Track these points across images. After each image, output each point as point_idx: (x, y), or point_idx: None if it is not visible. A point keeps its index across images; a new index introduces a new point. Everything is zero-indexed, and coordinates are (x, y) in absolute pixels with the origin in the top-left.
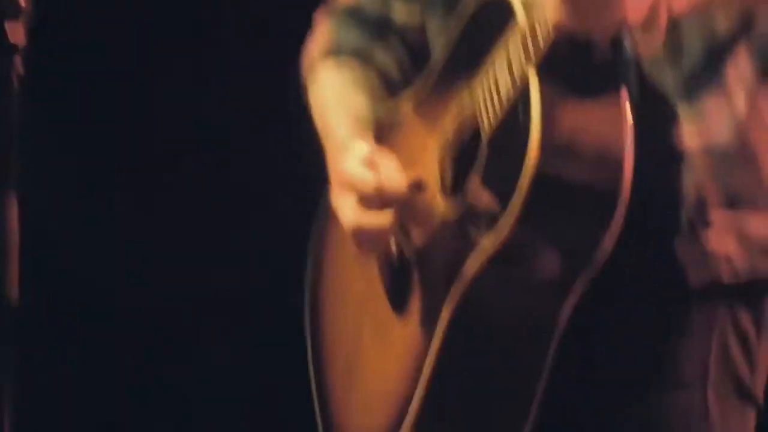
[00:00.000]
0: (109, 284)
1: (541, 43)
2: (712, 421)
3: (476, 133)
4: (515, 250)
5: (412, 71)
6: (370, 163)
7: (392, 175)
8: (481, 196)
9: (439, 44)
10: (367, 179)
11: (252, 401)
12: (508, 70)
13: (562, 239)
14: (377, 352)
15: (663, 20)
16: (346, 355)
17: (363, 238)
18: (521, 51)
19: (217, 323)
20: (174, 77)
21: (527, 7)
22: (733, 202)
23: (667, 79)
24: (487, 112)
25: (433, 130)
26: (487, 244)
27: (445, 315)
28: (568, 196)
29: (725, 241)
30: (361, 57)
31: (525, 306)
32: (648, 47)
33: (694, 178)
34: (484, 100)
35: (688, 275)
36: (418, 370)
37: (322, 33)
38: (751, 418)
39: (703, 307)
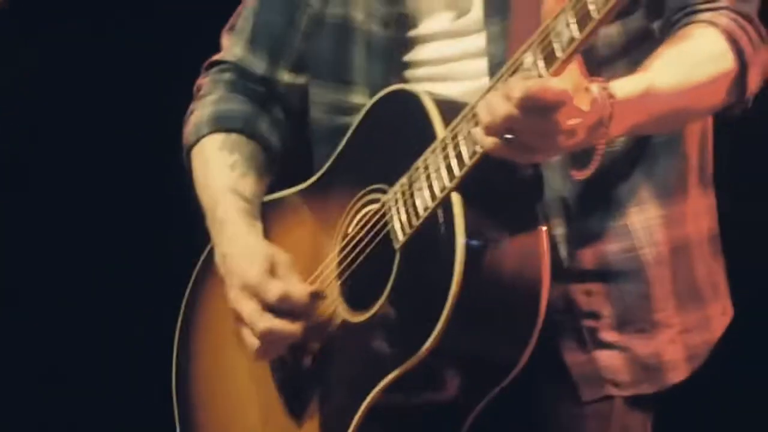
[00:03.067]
0: None
1: (467, 163)
2: None
3: (385, 241)
4: (430, 368)
5: (291, 138)
6: (269, 266)
7: (295, 284)
8: (395, 308)
9: (321, 116)
10: (271, 289)
11: None
12: (428, 184)
13: (480, 360)
14: None
15: (601, 149)
16: None
17: (272, 341)
18: (443, 167)
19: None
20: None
21: (446, 117)
22: (623, 326)
23: (563, 192)
24: (401, 223)
25: (329, 229)
26: (407, 358)
27: (356, 419)
28: (487, 320)
29: (613, 359)
30: (248, 131)
31: (433, 419)
32: (581, 172)
33: (588, 299)
34: (398, 211)
35: (580, 390)
36: None
37: (211, 95)
38: None
39: (595, 407)
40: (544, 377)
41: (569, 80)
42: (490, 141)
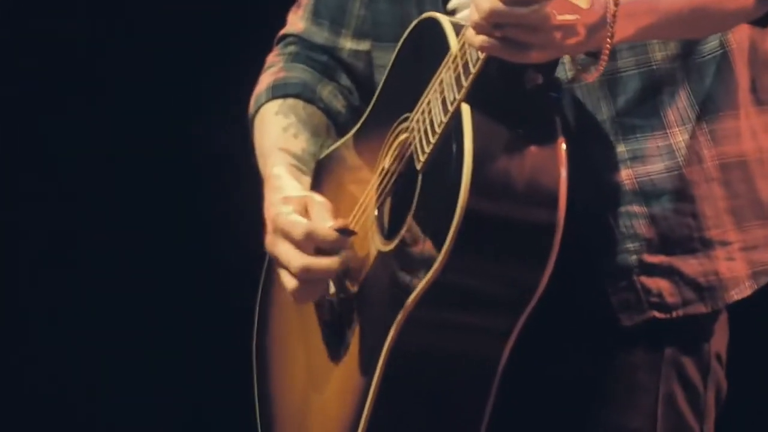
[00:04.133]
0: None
1: (471, 71)
2: None
3: (410, 165)
4: (449, 286)
5: (359, 103)
6: (302, 208)
7: (322, 220)
8: (416, 230)
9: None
10: (298, 225)
11: None
12: (441, 98)
13: (498, 275)
14: (321, 399)
15: (607, 49)
16: (294, 409)
17: (308, 279)
18: (453, 79)
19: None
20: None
21: (459, 31)
22: (669, 247)
23: (602, 114)
24: (421, 143)
25: (371, 162)
26: (421, 281)
27: (384, 352)
28: (502, 231)
29: (658, 282)
30: (306, 96)
31: (464, 345)
32: (587, 74)
33: (630, 222)
34: (419, 130)
35: (619, 317)
36: (353, 409)
37: (273, 67)
38: None
39: (644, 355)
40: (585, 310)
41: None
42: (479, 39)
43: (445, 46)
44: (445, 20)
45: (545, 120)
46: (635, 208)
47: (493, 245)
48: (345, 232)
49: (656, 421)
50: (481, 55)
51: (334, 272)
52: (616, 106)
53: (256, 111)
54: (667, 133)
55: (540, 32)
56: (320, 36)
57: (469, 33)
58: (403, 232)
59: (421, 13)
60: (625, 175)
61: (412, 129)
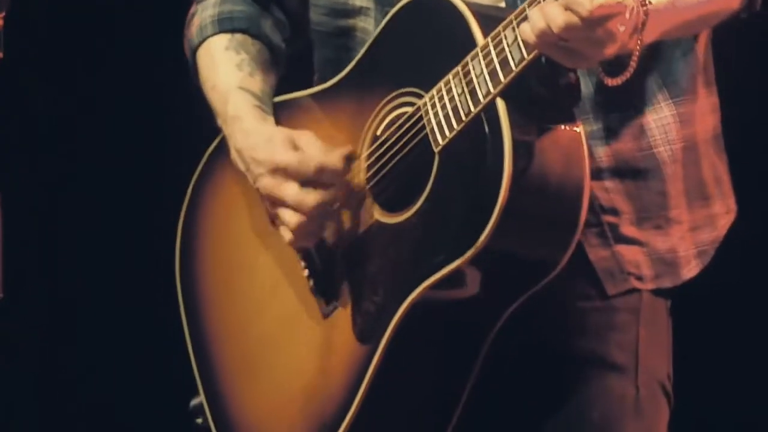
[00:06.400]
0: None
1: (513, 69)
2: (644, 413)
3: (421, 144)
4: (475, 267)
5: (292, 40)
6: (291, 146)
7: (325, 152)
8: (435, 210)
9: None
10: (306, 162)
11: None
12: (469, 89)
13: (522, 261)
14: (294, 346)
15: (636, 53)
16: (246, 339)
17: (321, 215)
18: (486, 72)
19: None
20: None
21: (483, 24)
22: (642, 222)
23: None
24: (440, 127)
25: (353, 130)
26: (449, 263)
27: (391, 326)
28: (533, 222)
29: (635, 254)
30: (253, 31)
31: (469, 317)
32: (615, 78)
33: (609, 195)
34: (436, 114)
35: (605, 285)
36: (349, 372)
37: None
38: (667, 415)
39: (626, 305)
40: (569, 275)
41: None
42: (542, 45)
43: (465, 34)
44: (464, 8)
45: (567, 113)
46: (611, 184)
47: (525, 231)
48: (351, 158)
49: (638, 357)
50: (528, 56)
51: (345, 199)
52: (594, 84)
53: (201, 42)
54: (639, 113)
55: (600, 46)
56: None
57: (527, 35)
58: (416, 207)
59: None
60: (603, 152)
61: (426, 110)
